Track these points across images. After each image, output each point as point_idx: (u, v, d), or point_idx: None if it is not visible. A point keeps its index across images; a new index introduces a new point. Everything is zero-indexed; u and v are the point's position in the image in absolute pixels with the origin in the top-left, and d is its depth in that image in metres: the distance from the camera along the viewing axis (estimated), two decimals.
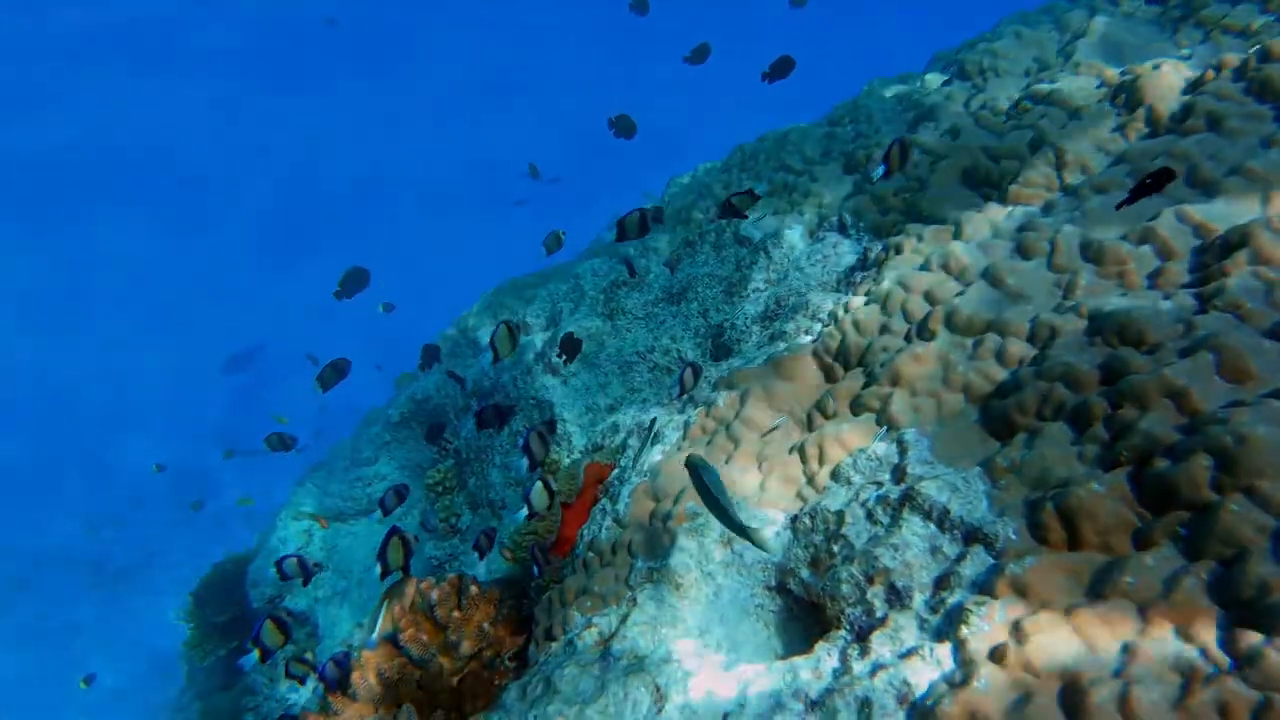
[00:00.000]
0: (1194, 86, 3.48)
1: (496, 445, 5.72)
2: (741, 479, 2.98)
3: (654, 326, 5.22)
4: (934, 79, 6.14)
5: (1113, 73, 4.01)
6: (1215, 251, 2.60)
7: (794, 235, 4.88)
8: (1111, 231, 2.99)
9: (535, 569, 3.15)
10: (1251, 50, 3.35)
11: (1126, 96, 3.70)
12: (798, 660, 2.40)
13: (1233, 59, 3.38)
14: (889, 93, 6.26)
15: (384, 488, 7.05)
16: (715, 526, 2.83)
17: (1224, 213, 2.80)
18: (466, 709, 3.04)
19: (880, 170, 3.44)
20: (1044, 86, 4.11)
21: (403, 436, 7.02)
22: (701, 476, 2.29)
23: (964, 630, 2.05)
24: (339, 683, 2.94)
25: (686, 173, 7.92)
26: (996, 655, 1.94)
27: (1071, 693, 1.79)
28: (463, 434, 6.24)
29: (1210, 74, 3.43)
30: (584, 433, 4.92)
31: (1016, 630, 1.96)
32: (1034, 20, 6.15)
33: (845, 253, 4.28)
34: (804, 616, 2.80)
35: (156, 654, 12.69)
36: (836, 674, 2.28)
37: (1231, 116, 3.13)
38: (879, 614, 2.35)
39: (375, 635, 3.29)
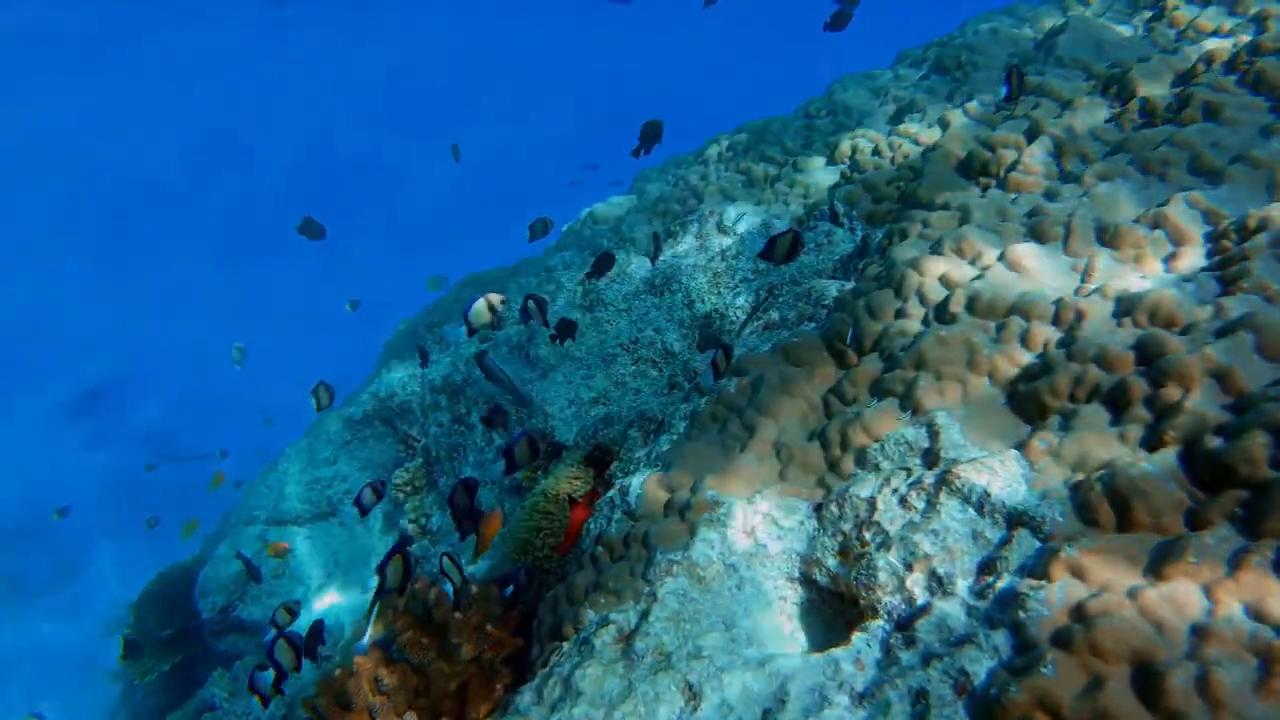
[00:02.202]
0: (1185, 79, 3.54)
1: (470, 443, 5.50)
2: (759, 467, 2.88)
3: (636, 318, 5.09)
4: (907, 74, 6.19)
5: (1100, 67, 4.07)
6: (1232, 236, 2.62)
7: (783, 225, 4.82)
8: (1120, 217, 3.00)
9: (510, 589, 2.99)
10: (1241, 45, 3.43)
11: (1119, 88, 3.75)
12: (836, 652, 2.30)
13: (1223, 52, 3.45)
14: (863, 87, 6.29)
15: (344, 489, 6.74)
16: (737, 515, 2.73)
17: (1231, 199, 2.84)
18: (471, 715, 2.85)
19: (1004, 91, 3.66)
20: (1033, 79, 4.15)
21: (364, 435, 6.71)
22: (489, 364, 2.43)
23: (1021, 615, 1.99)
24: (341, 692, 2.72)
25: (654, 165, 7.82)
26: (1061, 640, 1.88)
27: (1146, 677, 1.74)
28: (431, 431, 5.99)
29: (1200, 67, 3.50)
30: (568, 427, 4.76)
31: (1079, 613, 1.90)
32: (998, 18, 6.27)
33: (839, 241, 4.24)
34: (826, 609, 2.72)
35: (82, 673, 11.90)
36: (881, 665, 2.20)
37: (1228, 107, 3.18)
38: (920, 602, 2.28)
39: (366, 640, 3.08)
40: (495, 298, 3.23)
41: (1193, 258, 2.69)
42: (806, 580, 2.69)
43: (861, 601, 2.44)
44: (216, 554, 6.46)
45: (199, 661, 7.09)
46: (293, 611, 3.71)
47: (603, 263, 4.47)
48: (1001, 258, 2.96)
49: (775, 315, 3.93)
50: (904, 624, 2.28)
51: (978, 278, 2.93)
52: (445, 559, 3.09)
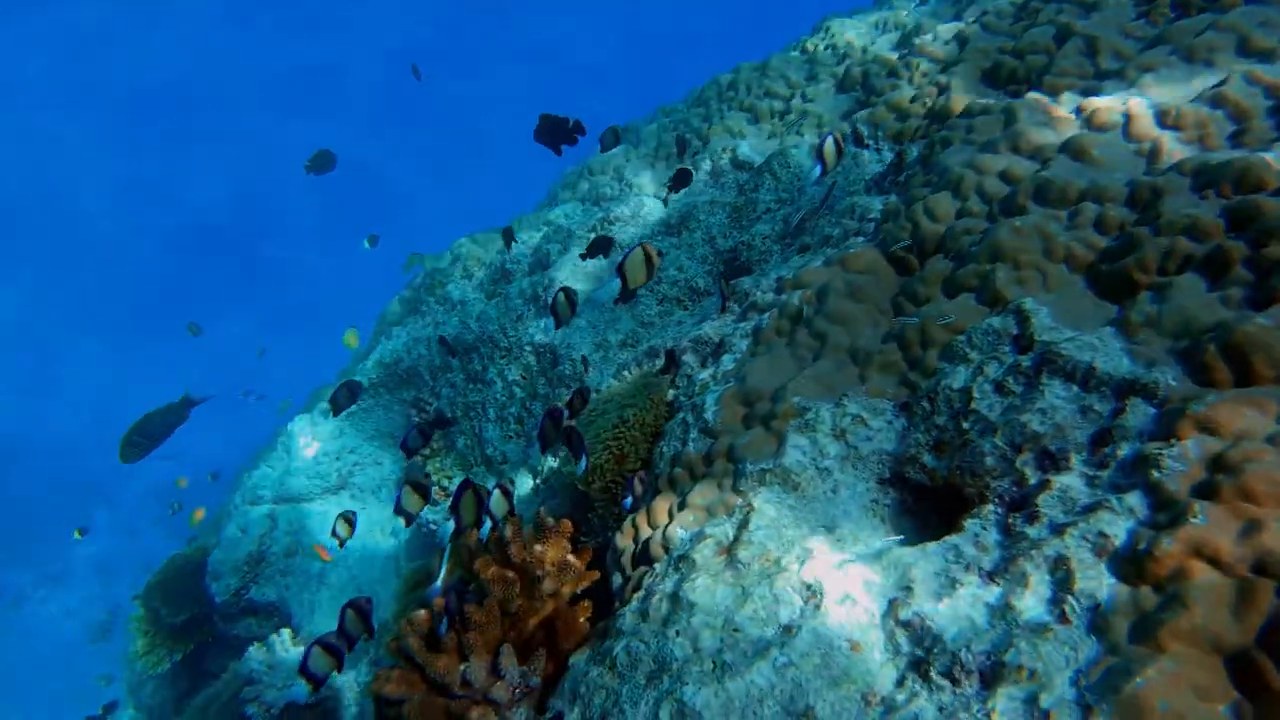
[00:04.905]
0: None
1: (490, 398, 5.37)
2: (838, 373, 2.84)
3: None
4: (903, 3, 6.14)
5: None
6: None
7: (800, 154, 4.76)
8: (1176, 100, 2.99)
9: (630, 500, 2.89)
10: None
11: None
12: (952, 538, 2.28)
13: None
14: (858, 19, 6.23)
15: (353, 462, 6.56)
16: (825, 419, 2.68)
17: None
18: (564, 646, 2.78)
19: None
20: None
21: (370, 405, 6.52)
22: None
23: (1156, 474, 1.98)
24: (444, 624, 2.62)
25: (643, 116, 7.67)
26: (1205, 491, 1.87)
27: None
28: (444, 393, 5.84)
29: None
30: (597, 371, 4.66)
31: (1220, 464, 1.90)
32: None
33: (868, 162, 4.19)
34: (920, 508, 2.70)
35: (72, 677, 11.53)
36: (1003, 545, 2.18)
37: None
38: (1033, 481, 2.26)
39: (439, 583, 2.98)
40: (653, 248, 2.94)
41: (1260, 132, 2.70)
42: (898, 480, 2.66)
43: (967, 490, 2.41)
44: (225, 536, 6.24)
45: (209, 650, 6.88)
46: (351, 522, 3.59)
47: (681, 179, 4.33)
48: (1064, 148, 2.94)
49: (815, 237, 3.87)
50: (1019, 503, 2.26)
51: (1042, 169, 2.90)
52: (498, 490, 2.95)
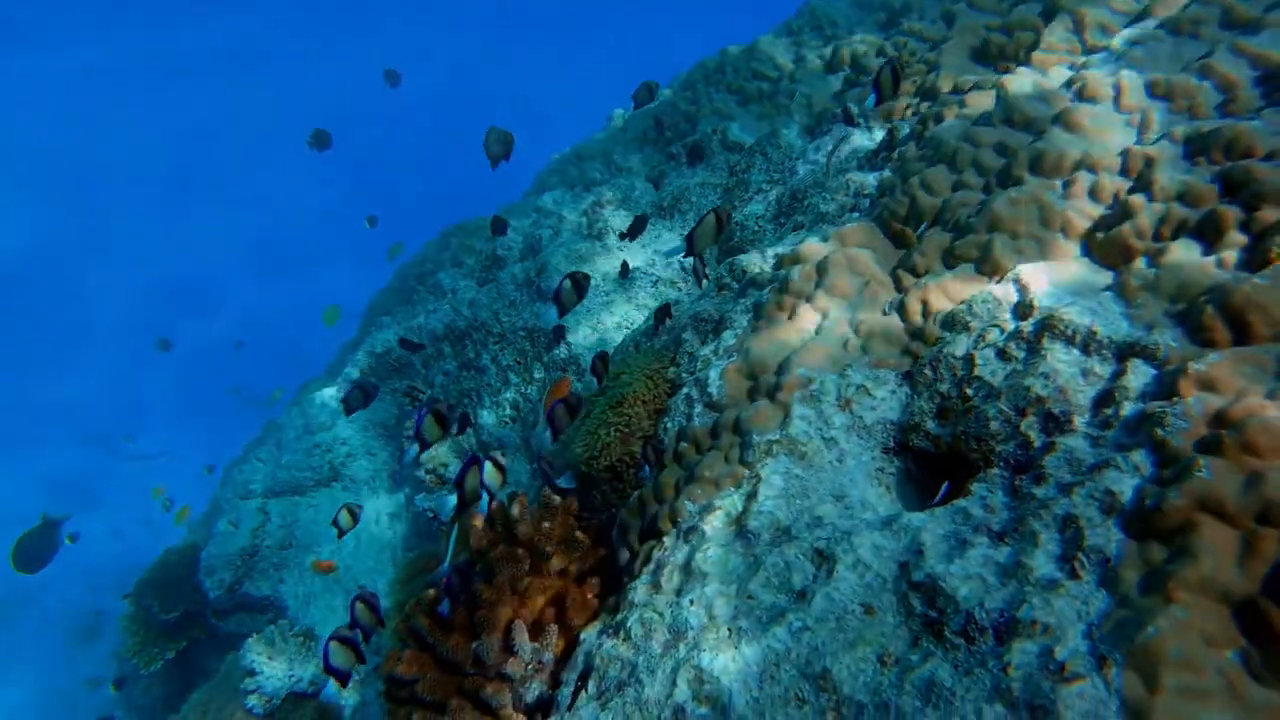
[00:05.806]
0: None
1: (484, 385, 5.36)
2: (840, 345, 2.86)
3: (649, 241, 5.00)
4: None
5: None
6: None
7: (791, 134, 4.77)
8: (1164, 72, 3.04)
9: (646, 469, 2.90)
10: None
11: None
12: (959, 502, 2.32)
13: None
14: (843, 2, 6.25)
15: (345, 453, 6.52)
16: (830, 389, 2.71)
17: (1276, 43, 2.90)
18: (574, 623, 2.80)
19: None
20: None
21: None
22: None
23: (1160, 432, 2.02)
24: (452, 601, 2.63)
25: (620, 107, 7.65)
26: (1209, 446, 1.92)
27: None
28: (437, 381, 5.82)
29: None
30: (593, 353, 4.66)
31: (1222, 420, 1.95)
32: None
33: (859, 141, 4.22)
34: (921, 476, 2.74)
35: (57, 683, 11.40)
36: (1010, 506, 2.22)
37: None
38: (1038, 444, 2.30)
39: (447, 564, 2.98)
40: (724, 211, 2.93)
41: (1247, 100, 2.75)
42: (902, 448, 2.70)
43: (972, 455, 2.45)
44: (217, 530, 6.18)
45: (202, 647, 6.83)
46: (355, 514, 3.60)
47: (695, 154, 4.48)
48: (1057, 120, 2.98)
49: (810, 215, 3.90)
50: (1025, 466, 2.30)
51: (1036, 140, 2.94)
52: (490, 464, 2.95)
